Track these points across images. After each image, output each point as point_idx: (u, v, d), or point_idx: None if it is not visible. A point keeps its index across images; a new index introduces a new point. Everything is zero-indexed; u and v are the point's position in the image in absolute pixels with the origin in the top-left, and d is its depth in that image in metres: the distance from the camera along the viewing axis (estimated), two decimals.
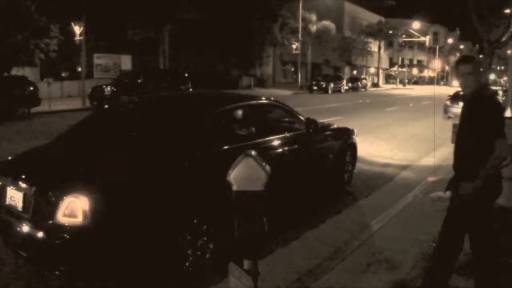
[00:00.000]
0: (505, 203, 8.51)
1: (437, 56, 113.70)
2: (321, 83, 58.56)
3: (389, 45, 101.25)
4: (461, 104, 24.38)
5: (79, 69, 38.08)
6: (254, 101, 8.28)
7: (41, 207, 5.30)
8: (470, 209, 5.00)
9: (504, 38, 9.52)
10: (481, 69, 5.11)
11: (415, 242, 7.09)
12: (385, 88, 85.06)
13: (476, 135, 4.85)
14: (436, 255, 5.50)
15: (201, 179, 6.19)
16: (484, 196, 4.90)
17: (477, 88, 4.94)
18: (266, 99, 8.65)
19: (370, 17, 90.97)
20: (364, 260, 6.43)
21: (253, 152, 3.77)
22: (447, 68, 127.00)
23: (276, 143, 7.86)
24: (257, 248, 3.94)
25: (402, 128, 23.12)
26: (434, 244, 6.58)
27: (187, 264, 5.90)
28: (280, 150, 7.85)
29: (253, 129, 7.82)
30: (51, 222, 5.14)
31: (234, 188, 3.76)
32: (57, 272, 5.28)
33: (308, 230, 7.76)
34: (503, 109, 4.99)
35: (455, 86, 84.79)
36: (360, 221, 8.28)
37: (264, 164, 3.74)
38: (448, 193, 5.36)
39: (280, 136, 8.11)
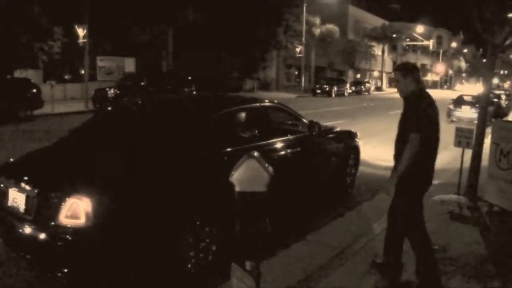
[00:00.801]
0: (508, 207, 8.52)
1: (440, 60, 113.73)
2: (325, 86, 58.61)
3: (393, 48, 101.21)
4: (464, 108, 24.48)
5: (82, 71, 38.13)
6: (258, 104, 8.27)
7: (43, 209, 5.31)
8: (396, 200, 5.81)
9: (507, 42, 9.49)
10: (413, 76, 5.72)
11: None
12: (389, 91, 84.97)
13: (403, 131, 5.57)
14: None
15: (203, 181, 6.19)
16: (404, 187, 5.59)
17: (410, 92, 5.64)
18: (270, 101, 8.64)
19: (374, 21, 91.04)
20: (366, 263, 6.43)
21: (256, 154, 3.77)
22: (450, 72, 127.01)
23: (279, 145, 7.86)
24: (259, 249, 3.94)
25: None
26: (435, 247, 6.60)
27: (189, 265, 5.90)
28: (283, 152, 7.86)
29: (256, 131, 7.81)
30: (53, 223, 5.14)
31: (237, 189, 3.77)
32: (59, 274, 5.27)
33: (311, 232, 7.75)
34: (427, 107, 5.55)
35: (458, 90, 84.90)
36: (363, 223, 8.27)
37: (266, 165, 3.75)
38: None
39: (283, 138, 8.11)
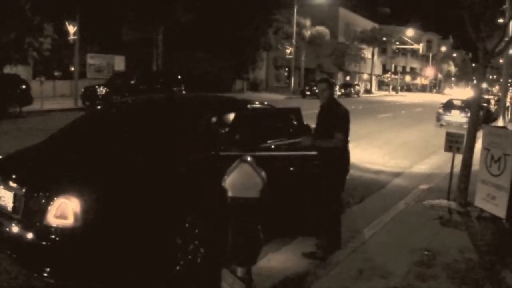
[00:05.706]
0: (499, 213, 8.52)
1: (430, 63, 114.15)
2: (314, 88, 58.37)
3: (383, 51, 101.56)
4: (453, 112, 24.62)
5: (72, 68, 37.96)
6: (249, 105, 8.22)
7: (31, 208, 5.24)
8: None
9: (498, 48, 9.51)
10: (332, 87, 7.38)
11: (407, 249, 7.08)
12: (378, 94, 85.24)
13: (327, 130, 7.04)
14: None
15: (193, 184, 6.12)
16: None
17: (328, 100, 7.17)
18: (260, 103, 8.58)
19: (364, 24, 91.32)
20: (357, 267, 6.39)
21: (249, 158, 3.73)
22: (439, 76, 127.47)
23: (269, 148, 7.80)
24: (251, 256, 3.89)
25: (395, 135, 23.14)
26: (426, 252, 6.59)
27: (177, 268, 5.84)
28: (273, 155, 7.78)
29: (247, 134, 7.75)
30: (41, 223, 5.08)
31: (230, 194, 3.72)
32: (46, 274, 5.20)
33: (300, 236, 7.71)
34: (347, 114, 7.08)
35: (447, 94, 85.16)
36: (352, 227, 8.24)
37: (260, 170, 3.70)
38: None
39: (276, 141, 8.05)
